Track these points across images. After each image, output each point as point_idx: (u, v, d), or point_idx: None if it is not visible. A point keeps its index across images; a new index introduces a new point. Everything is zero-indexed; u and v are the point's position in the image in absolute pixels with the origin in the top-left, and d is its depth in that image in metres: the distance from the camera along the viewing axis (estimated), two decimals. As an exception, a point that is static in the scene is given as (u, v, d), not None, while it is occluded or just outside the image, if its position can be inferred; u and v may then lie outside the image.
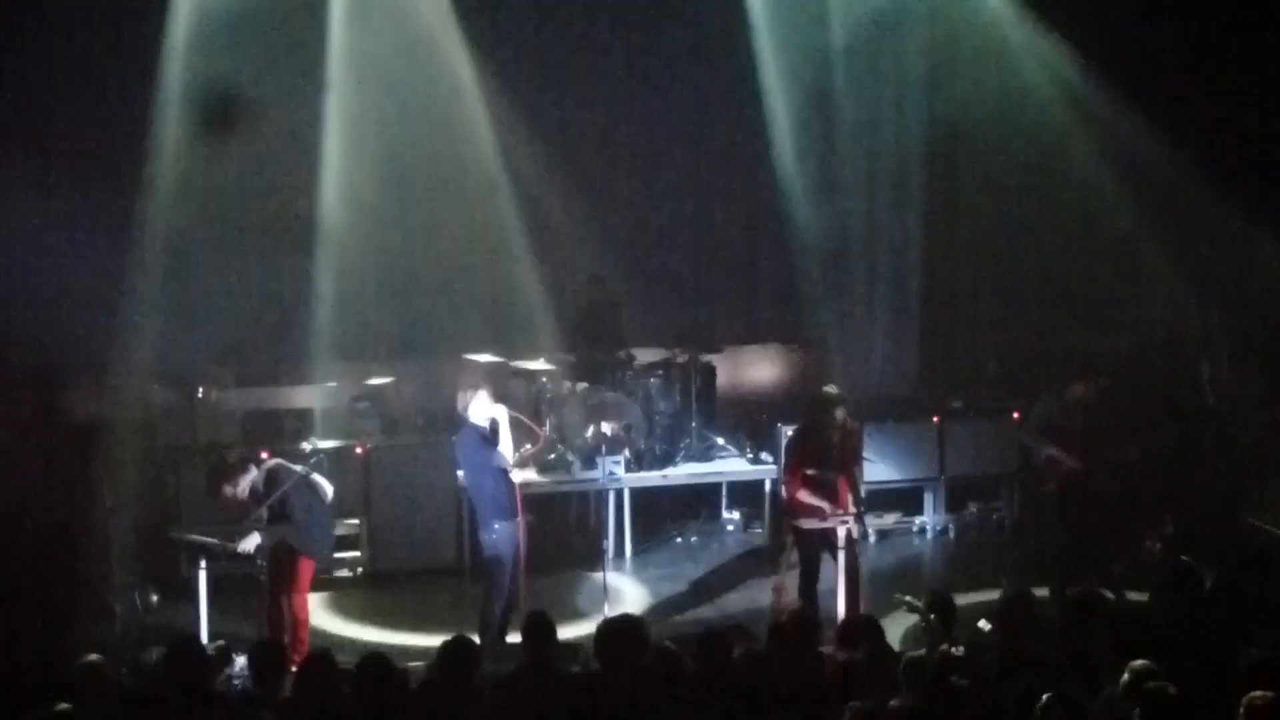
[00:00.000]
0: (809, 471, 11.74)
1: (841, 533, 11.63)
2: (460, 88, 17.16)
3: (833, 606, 11.54)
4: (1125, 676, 7.74)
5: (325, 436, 14.46)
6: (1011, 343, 18.08)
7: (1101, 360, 14.18)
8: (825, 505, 11.67)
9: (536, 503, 13.77)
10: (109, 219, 15.60)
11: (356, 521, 13.61)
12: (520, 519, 11.54)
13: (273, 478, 11.13)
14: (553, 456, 14.48)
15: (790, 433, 12.80)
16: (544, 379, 14.95)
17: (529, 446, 11.90)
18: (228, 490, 11.12)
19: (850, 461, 12.00)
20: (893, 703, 7.80)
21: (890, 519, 14.80)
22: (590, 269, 16.50)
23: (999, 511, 15.19)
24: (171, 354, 15.91)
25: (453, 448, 12.33)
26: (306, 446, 12.48)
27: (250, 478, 11.10)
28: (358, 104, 16.85)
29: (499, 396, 11.77)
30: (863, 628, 8.90)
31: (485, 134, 17.45)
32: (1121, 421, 14.36)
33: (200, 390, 14.63)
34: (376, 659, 8.24)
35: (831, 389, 12.12)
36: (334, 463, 12.06)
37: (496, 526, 11.43)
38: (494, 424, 11.44)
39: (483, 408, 11.49)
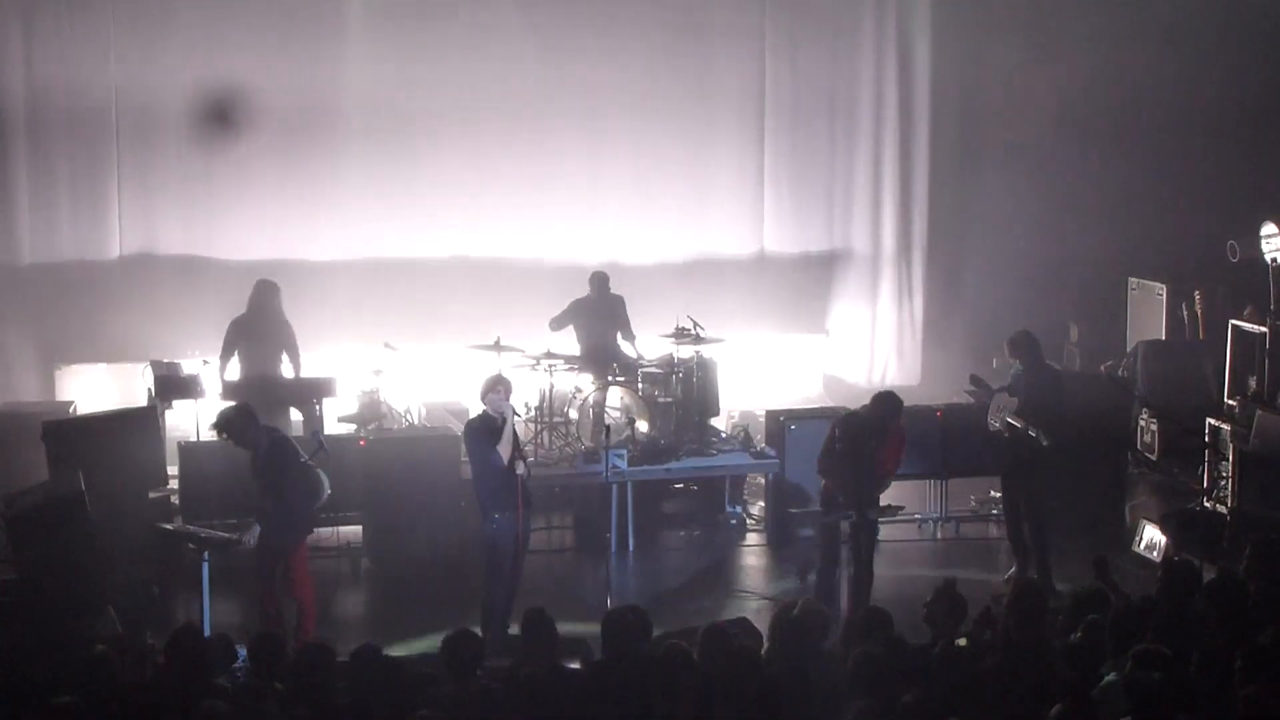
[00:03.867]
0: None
1: (846, 527, 11.70)
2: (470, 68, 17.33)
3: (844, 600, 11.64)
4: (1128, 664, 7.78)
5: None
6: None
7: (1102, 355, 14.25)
8: (839, 497, 11.78)
9: (540, 496, 13.77)
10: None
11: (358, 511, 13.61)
12: (520, 512, 11.53)
13: (277, 450, 11.09)
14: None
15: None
16: (549, 372, 14.94)
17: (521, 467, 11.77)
18: (233, 438, 11.12)
19: (887, 459, 12.02)
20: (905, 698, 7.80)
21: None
22: (596, 262, 16.54)
23: (1001, 505, 15.16)
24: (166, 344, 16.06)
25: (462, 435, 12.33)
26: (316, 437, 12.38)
27: (260, 439, 11.09)
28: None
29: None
30: (871, 622, 8.89)
31: (487, 123, 17.55)
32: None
33: (205, 360, 14.68)
34: (368, 650, 8.23)
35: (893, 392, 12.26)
36: (335, 453, 12.04)
37: (496, 517, 11.42)
38: (503, 418, 11.43)
39: (499, 401, 11.49)
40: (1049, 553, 12.86)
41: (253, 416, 11.27)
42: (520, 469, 11.48)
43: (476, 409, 11.90)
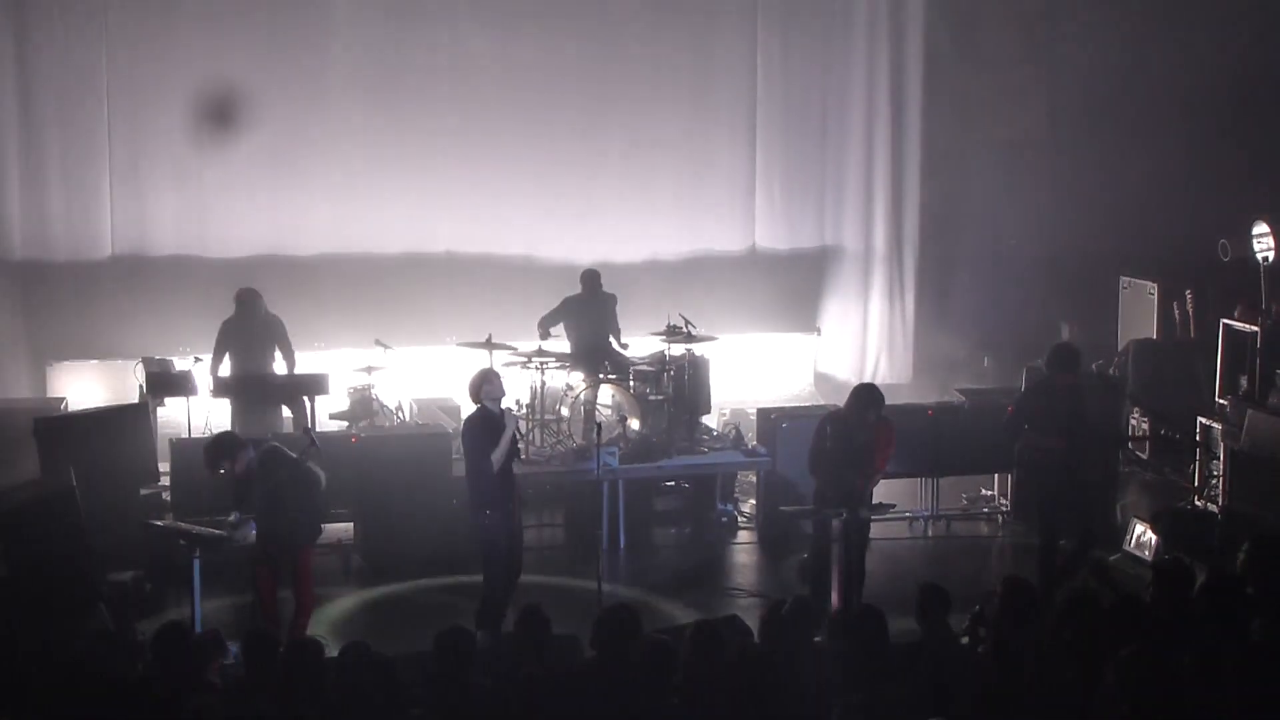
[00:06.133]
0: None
1: (836, 525, 11.71)
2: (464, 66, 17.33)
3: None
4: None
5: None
6: (1006, 337, 18.13)
7: (1092, 354, 14.25)
8: (829, 494, 11.79)
9: (531, 493, 13.78)
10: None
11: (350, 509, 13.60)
12: (514, 508, 11.54)
13: (268, 461, 11.08)
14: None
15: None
16: (540, 370, 14.95)
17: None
18: (225, 467, 11.09)
19: (875, 457, 11.97)
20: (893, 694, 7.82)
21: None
22: (587, 259, 16.53)
23: (991, 504, 15.20)
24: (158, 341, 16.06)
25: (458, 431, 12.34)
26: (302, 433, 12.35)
27: (248, 457, 11.07)
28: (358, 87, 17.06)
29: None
30: (864, 619, 8.89)
31: (479, 120, 17.55)
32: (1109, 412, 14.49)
33: (196, 358, 14.68)
34: (357, 648, 8.23)
35: (873, 385, 12.16)
36: (327, 450, 12.04)
37: (487, 513, 11.45)
38: (502, 416, 11.47)
39: (495, 392, 11.53)
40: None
41: (236, 439, 11.25)
42: (515, 470, 11.49)
43: (468, 405, 11.88)
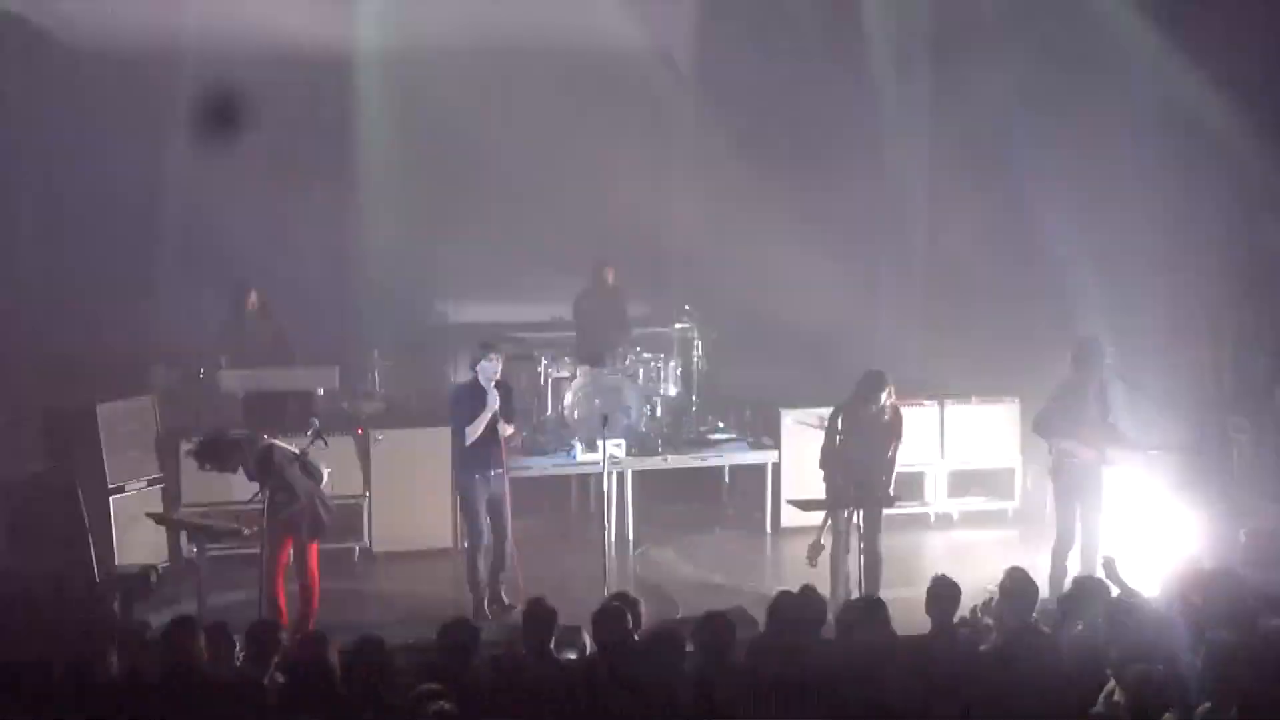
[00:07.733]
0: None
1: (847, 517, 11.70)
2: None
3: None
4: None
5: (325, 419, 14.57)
6: (1016, 329, 18.06)
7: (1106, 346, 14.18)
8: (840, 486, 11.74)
9: (537, 485, 13.80)
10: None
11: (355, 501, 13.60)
12: (491, 473, 11.93)
13: (266, 459, 11.05)
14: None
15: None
16: (545, 360, 14.95)
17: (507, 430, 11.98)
18: (210, 469, 11.04)
19: (888, 445, 11.91)
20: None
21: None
22: (597, 251, 16.49)
23: (1000, 497, 15.17)
24: (173, 334, 16.02)
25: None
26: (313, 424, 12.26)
27: (244, 455, 11.03)
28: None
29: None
30: (866, 610, 8.88)
31: (485, 114, 17.50)
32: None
33: (201, 371, 14.64)
34: (365, 641, 8.23)
35: (882, 371, 12.08)
36: (332, 443, 12.04)
37: (464, 475, 12.00)
38: (491, 391, 11.76)
39: (489, 371, 11.84)
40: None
41: (229, 446, 11.15)
42: (507, 431, 11.90)
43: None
